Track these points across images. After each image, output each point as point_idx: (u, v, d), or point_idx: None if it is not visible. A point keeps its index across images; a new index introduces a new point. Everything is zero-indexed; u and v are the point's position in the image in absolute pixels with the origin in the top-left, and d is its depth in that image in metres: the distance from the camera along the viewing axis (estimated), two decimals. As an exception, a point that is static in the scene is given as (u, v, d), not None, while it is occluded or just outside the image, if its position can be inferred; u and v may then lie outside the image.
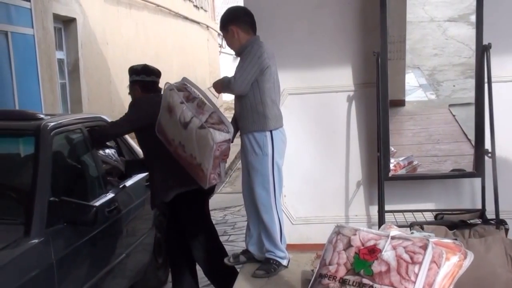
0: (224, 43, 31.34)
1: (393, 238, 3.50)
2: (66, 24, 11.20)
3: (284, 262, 4.47)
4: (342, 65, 4.95)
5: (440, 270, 3.32)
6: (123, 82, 13.32)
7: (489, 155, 4.51)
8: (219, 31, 4.24)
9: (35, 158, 4.11)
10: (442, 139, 5.19)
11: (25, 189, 3.98)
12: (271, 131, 4.26)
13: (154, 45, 15.66)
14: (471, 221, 4.31)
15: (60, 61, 10.98)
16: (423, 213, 4.74)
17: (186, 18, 19.89)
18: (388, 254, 3.40)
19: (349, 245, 3.62)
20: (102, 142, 5.45)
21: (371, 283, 3.39)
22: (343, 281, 3.51)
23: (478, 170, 4.57)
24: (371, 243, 3.52)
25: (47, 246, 3.73)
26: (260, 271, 4.42)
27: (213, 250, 5.14)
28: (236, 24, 4.37)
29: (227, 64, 28.95)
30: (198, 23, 22.16)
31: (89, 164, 4.89)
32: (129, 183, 5.45)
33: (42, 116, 4.65)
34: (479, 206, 4.59)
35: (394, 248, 3.42)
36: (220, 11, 28.98)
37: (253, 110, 4.27)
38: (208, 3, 25.22)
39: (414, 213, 4.74)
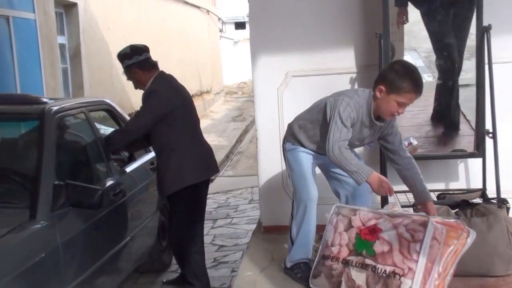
0: (225, 27, 31.15)
1: (393, 216, 3.56)
2: (67, 8, 11.19)
3: None
4: (345, 47, 4.98)
5: (441, 247, 3.36)
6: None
7: (490, 135, 4.54)
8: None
9: (39, 142, 4.10)
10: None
11: (30, 173, 3.99)
12: None
13: (155, 29, 15.63)
14: (473, 200, 4.35)
15: (62, 46, 10.99)
16: (426, 193, 4.77)
17: (186, 2, 19.83)
18: (389, 233, 3.46)
19: (350, 225, 3.69)
20: (125, 142, 5.17)
21: (373, 263, 3.47)
22: (346, 262, 3.62)
23: (479, 150, 4.61)
24: (372, 222, 3.59)
25: (52, 230, 3.74)
26: None
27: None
28: None
29: (227, 48, 28.91)
30: (198, 7, 22.08)
31: (94, 148, 4.89)
32: (133, 166, 5.47)
33: (45, 100, 4.64)
34: (480, 186, 4.63)
35: (395, 227, 3.48)
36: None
37: None
38: (209, -12, 25.15)
39: (416, 193, 4.78)
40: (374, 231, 3.55)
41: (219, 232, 6.40)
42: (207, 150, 5.26)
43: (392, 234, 3.46)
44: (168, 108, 4.89)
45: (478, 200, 4.40)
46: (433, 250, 3.38)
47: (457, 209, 4.21)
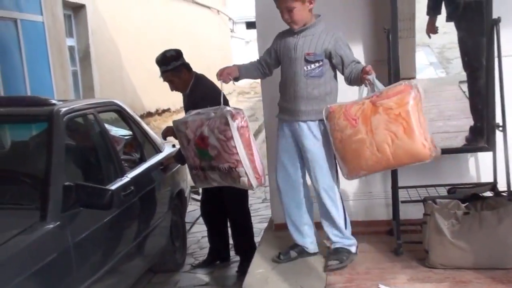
0: (236, 27, 31.06)
1: (208, 118, 4.22)
2: (75, 10, 11.24)
3: (353, 249, 4.41)
4: (353, 42, 4.91)
5: (249, 130, 4.20)
6: (135, 67, 13.39)
7: (500, 128, 4.51)
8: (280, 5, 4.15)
9: (48, 143, 4.12)
10: (453, 115, 5.20)
11: (40, 174, 3.99)
12: None
13: (165, 30, 15.68)
14: (483, 194, 4.33)
15: (71, 48, 11.02)
16: (436, 188, 4.75)
17: (196, 2, 19.86)
18: (211, 138, 4.18)
19: (188, 139, 4.40)
20: None
21: (216, 164, 4.25)
22: (202, 168, 4.41)
23: (489, 143, 4.58)
24: (199, 131, 4.27)
25: (63, 230, 3.76)
26: (332, 262, 4.32)
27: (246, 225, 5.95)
28: None
29: (239, 48, 28.89)
30: (208, 7, 22.10)
31: (103, 148, 4.90)
32: (144, 166, 5.48)
33: (54, 101, 4.66)
34: (491, 180, 4.60)
35: (212, 130, 4.17)
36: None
37: (323, 99, 4.22)
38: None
39: (427, 188, 4.76)
40: (203, 139, 4.25)
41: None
42: None
43: (214, 139, 4.16)
44: None
45: (488, 194, 4.38)
46: (244, 138, 4.12)
47: (467, 203, 4.20)
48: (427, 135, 3.71)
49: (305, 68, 4.19)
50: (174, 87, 5.53)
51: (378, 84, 3.89)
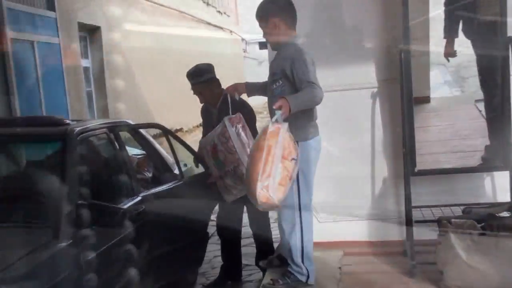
0: (248, 47, 31.21)
1: (217, 129, 4.85)
2: (91, 32, 11.35)
3: (303, 279, 4.35)
4: (365, 62, 4.95)
5: (248, 132, 4.77)
6: (148, 87, 13.45)
7: (517, 147, 4.48)
8: (259, 22, 4.29)
9: (62, 163, 4.16)
10: (469, 134, 5.16)
11: (53, 193, 4.02)
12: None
13: (178, 50, 15.74)
14: (500, 214, 4.28)
15: (86, 69, 11.10)
16: (451, 208, 4.71)
17: (209, 23, 19.96)
18: (219, 145, 4.78)
19: (208, 153, 4.99)
20: None
21: (227, 168, 4.82)
22: (221, 177, 4.97)
23: (505, 163, 4.53)
24: (212, 143, 4.89)
25: (75, 249, 3.76)
26: (269, 280, 4.42)
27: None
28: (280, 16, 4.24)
29: (251, 68, 28.94)
30: (221, 28, 22.20)
31: (117, 167, 4.90)
32: (165, 187, 5.43)
33: (68, 121, 4.70)
34: (507, 199, 4.55)
35: (218, 137, 4.79)
36: (243, 16, 29.07)
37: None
38: (231, 9, 25.27)
39: (442, 208, 4.72)
40: (214, 148, 4.84)
41: (244, 251, 6.35)
42: None
43: (220, 144, 4.74)
44: None
45: (505, 214, 4.33)
46: (242, 139, 4.66)
47: (483, 223, 4.15)
48: (273, 184, 3.75)
49: (271, 87, 4.30)
50: (204, 99, 5.54)
51: (276, 119, 3.91)
